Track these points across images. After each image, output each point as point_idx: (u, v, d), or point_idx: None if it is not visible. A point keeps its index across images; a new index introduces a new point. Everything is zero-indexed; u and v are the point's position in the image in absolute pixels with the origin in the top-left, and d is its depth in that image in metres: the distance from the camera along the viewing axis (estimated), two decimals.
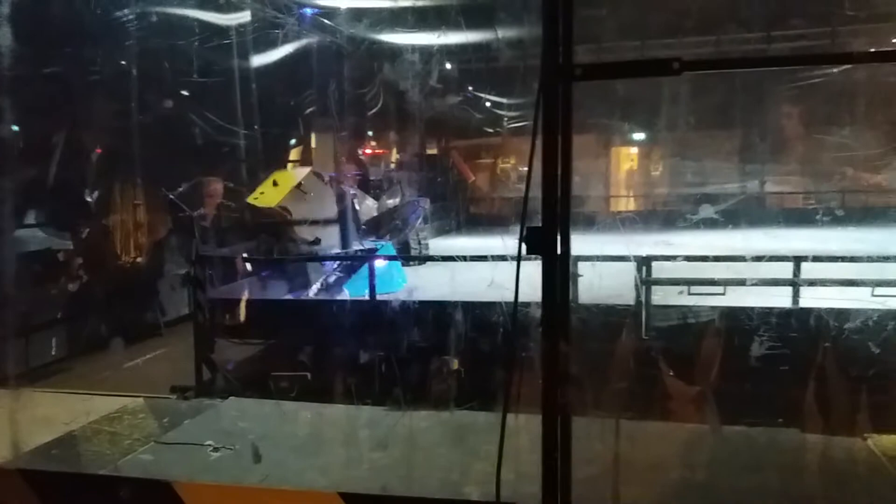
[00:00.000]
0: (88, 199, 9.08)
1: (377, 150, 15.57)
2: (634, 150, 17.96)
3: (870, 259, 6.99)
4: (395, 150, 15.81)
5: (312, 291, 8.24)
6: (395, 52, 12.18)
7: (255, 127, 10.26)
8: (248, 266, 8.36)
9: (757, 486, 4.52)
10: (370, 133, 15.18)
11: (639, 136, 17.10)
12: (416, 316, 6.54)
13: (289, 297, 8.20)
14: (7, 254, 7.34)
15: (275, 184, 8.92)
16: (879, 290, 5.87)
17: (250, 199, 8.96)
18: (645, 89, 12.81)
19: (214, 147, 9.78)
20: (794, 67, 12.64)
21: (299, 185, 8.94)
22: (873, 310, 5.74)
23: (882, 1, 9.91)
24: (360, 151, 14.95)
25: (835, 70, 12.31)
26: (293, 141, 13.41)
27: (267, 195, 8.80)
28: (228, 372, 6.92)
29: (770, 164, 15.03)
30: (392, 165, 15.28)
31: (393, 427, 5.66)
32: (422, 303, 6.85)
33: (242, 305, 7.13)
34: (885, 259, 6.86)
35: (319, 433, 5.57)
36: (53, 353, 7.81)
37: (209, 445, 5.31)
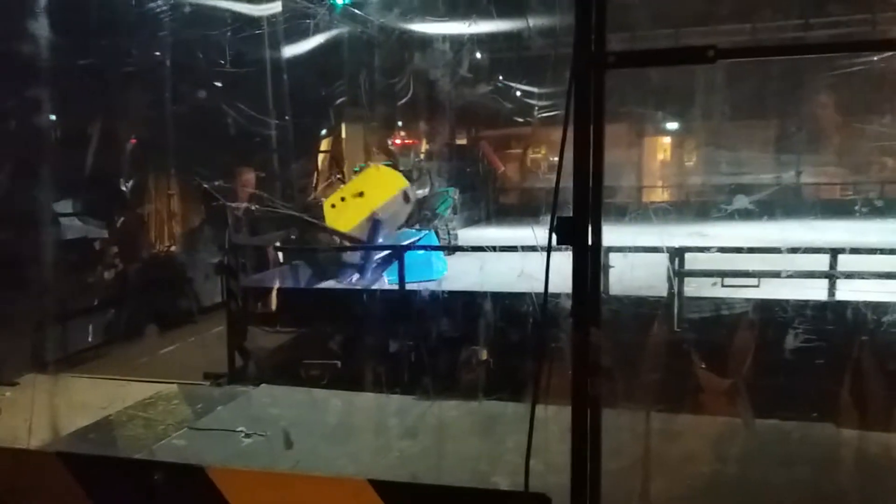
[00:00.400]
0: (123, 189, 9.24)
1: (406, 141, 15.59)
2: (668, 139, 17.73)
3: None
4: (424, 140, 15.82)
5: (354, 278, 8.20)
6: (425, 42, 12.17)
7: (287, 117, 10.34)
8: (280, 255, 8.44)
9: (789, 481, 4.46)
10: (400, 123, 15.20)
11: (672, 125, 16.86)
12: (446, 306, 6.55)
13: (320, 286, 8.26)
14: (45, 242, 7.53)
15: (360, 194, 8.03)
16: None
17: (327, 204, 8.20)
18: (679, 78, 12.62)
19: (246, 137, 9.88)
20: (833, 55, 12.34)
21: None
22: None
23: None
24: (389, 142, 14.98)
25: (874, 58, 11.98)
26: (324, 131, 13.49)
27: (342, 213, 7.99)
28: (261, 360, 7.02)
29: (807, 154, 14.71)
30: (422, 155, 15.29)
31: (422, 416, 5.70)
32: (451, 293, 6.85)
33: (274, 294, 7.20)
34: None
35: (350, 421, 5.63)
36: (90, 339, 7.98)
37: (241, 431, 5.40)
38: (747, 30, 12.28)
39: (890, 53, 11.90)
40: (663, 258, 6.40)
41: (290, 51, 10.71)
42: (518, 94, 15.78)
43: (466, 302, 6.61)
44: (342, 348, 6.68)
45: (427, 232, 9.86)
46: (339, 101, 12.12)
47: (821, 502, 4.24)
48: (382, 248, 8.38)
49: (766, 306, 5.90)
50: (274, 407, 6.08)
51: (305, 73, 10.92)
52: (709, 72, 11.32)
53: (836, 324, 5.76)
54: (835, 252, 6.27)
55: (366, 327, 6.60)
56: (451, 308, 6.54)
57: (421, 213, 10.87)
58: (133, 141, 9.44)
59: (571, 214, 2.58)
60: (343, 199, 8.13)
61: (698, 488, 4.39)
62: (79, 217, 8.63)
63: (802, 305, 5.84)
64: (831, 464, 4.79)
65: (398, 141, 15.45)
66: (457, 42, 12.04)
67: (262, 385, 6.62)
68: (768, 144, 14.91)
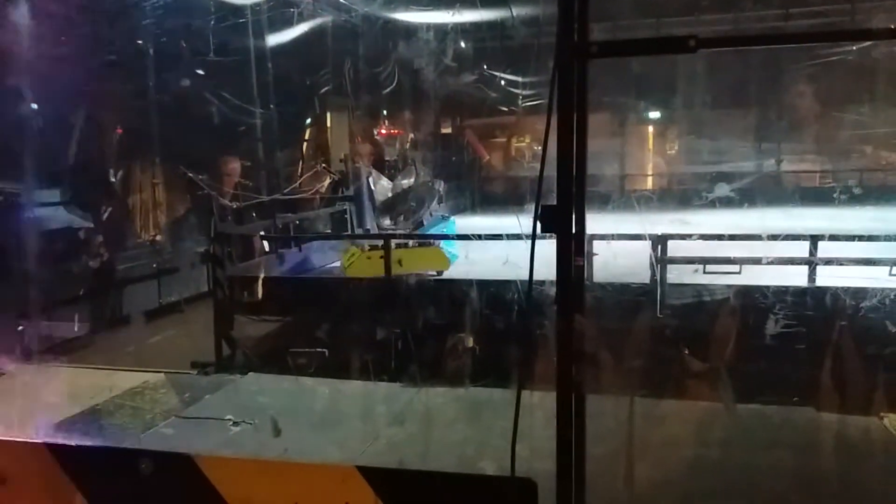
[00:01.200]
0: (111, 179, 9.18)
1: (392, 131, 15.55)
2: (650, 128, 17.82)
3: (888, 238, 6.94)
4: (410, 130, 15.80)
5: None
6: (409, 31, 12.13)
7: (272, 106, 10.29)
8: (266, 244, 8.43)
9: (771, 464, 4.55)
10: (385, 112, 15.16)
11: (654, 114, 16.94)
12: (432, 294, 6.60)
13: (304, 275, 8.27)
14: (30, 232, 7.47)
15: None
16: None
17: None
18: (661, 68, 12.70)
19: (231, 126, 9.83)
20: (812, 45, 12.48)
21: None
22: (890, 289, 5.71)
23: None
24: (374, 131, 14.94)
25: (853, 47, 12.13)
26: (309, 120, 13.44)
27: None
28: (248, 348, 7.03)
29: (787, 142, 14.86)
30: (407, 145, 15.27)
31: (409, 403, 5.74)
32: (437, 281, 6.90)
33: (260, 283, 7.21)
34: None
35: (337, 408, 5.67)
36: (76, 329, 7.95)
37: (229, 420, 5.42)
38: (728, 20, 12.36)
39: (868, 43, 12.05)
40: (646, 246, 6.47)
41: (274, 39, 10.64)
42: (502, 83, 15.78)
43: (452, 290, 6.66)
44: (329, 336, 6.71)
45: (449, 221, 9.82)
46: (323, 89, 12.07)
47: (801, 485, 4.33)
48: (375, 237, 8.42)
49: (747, 292, 5.99)
50: (261, 395, 6.10)
51: (290, 62, 10.87)
52: (690, 61, 11.41)
53: (815, 309, 5.86)
54: (815, 239, 6.37)
55: (352, 315, 6.63)
56: (437, 296, 6.58)
57: (407, 204, 10.87)
58: (118, 131, 9.37)
59: (556, 203, 2.61)
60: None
61: (681, 472, 4.47)
62: (64, 206, 8.57)
63: (783, 291, 5.94)
64: (812, 447, 4.89)
65: (383, 131, 15.41)
66: (441, 31, 12.02)
67: (250, 374, 6.63)
68: (749, 133, 15.03)
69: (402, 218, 10.42)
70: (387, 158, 13.53)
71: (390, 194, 11.07)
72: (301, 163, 12.58)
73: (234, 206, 8.98)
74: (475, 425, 5.21)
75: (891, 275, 5.85)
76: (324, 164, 9.11)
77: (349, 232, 9.60)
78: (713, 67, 12.00)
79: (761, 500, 4.18)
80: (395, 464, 4.37)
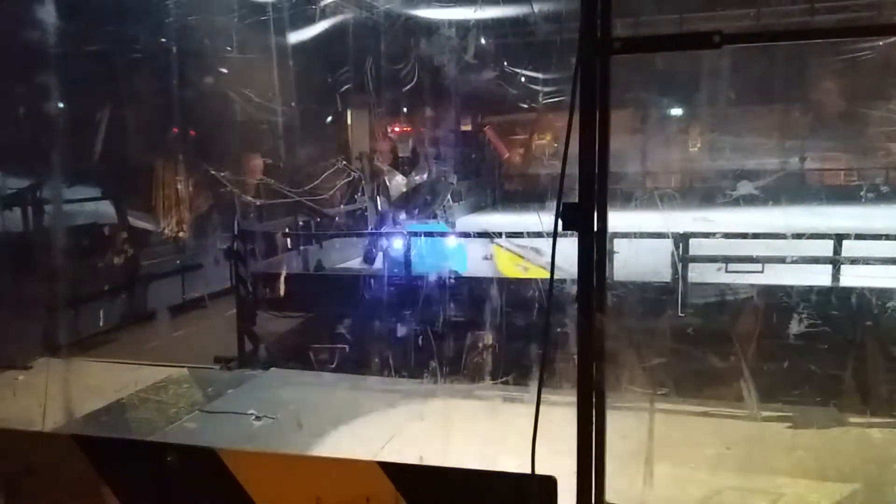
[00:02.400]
0: (134, 175, 9.29)
1: (406, 128, 15.57)
2: (673, 125, 17.66)
3: None
4: (429, 127, 15.80)
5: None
6: (430, 28, 12.13)
7: (293, 104, 10.35)
8: (288, 241, 8.49)
9: (793, 464, 4.51)
10: (405, 109, 15.18)
11: (677, 111, 16.79)
12: (453, 291, 6.60)
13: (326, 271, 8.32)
14: (57, 227, 7.59)
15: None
16: None
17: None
18: (684, 64, 12.59)
19: (253, 124, 9.90)
20: (838, 41, 12.29)
21: None
22: None
23: None
24: (390, 129, 14.99)
25: (880, 43, 11.93)
26: (329, 118, 13.50)
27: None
28: (270, 344, 7.09)
29: (811, 139, 14.66)
30: (424, 142, 15.29)
31: (429, 399, 5.76)
32: (458, 278, 6.89)
33: (282, 279, 7.26)
34: None
35: (358, 404, 5.70)
36: (101, 324, 8.07)
37: (252, 414, 5.48)
38: (752, 15, 12.21)
39: (894, 38, 11.84)
40: (668, 244, 6.42)
41: (296, 37, 10.71)
42: (523, 80, 15.73)
43: (473, 287, 6.66)
44: (350, 332, 6.75)
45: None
46: (344, 87, 12.12)
47: (823, 485, 4.29)
48: (384, 234, 8.45)
49: (770, 292, 5.93)
50: (283, 390, 6.16)
51: (311, 60, 10.92)
52: (714, 58, 11.29)
53: (840, 309, 5.78)
54: (839, 238, 6.28)
55: (374, 312, 6.66)
56: (458, 293, 6.59)
57: (421, 199, 10.91)
58: (175, 130, 9.44)
59: (577, 200, 2.61)
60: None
61: (703, 470, 4.45)
62: (91, 202, 8.69)
63: (807, 291, 5.86)
64: (834, 447, 4.84)
65: (397, 128, 15.43)
66: (462, 28, 12.00)
67: (272, 369, 6.69)
68: (773, 130, 14.85)
69: (416, 212, 10.48)
70: (401, 155, 13.55)
71: (404, 189, 11.11)
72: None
73: (258, 203, 9.06)
74: (495, 422, 5.21)
75: None
76: (344, 162, 9.15)
77: (369, 229, 9.65)
78: (736, 64, 11.87)
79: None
80: (415, 460, 4.39)
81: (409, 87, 12.76)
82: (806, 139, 14.64)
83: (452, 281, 6.72)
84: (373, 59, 11.70)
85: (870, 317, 5.71)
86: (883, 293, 5.75)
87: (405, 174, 11.84)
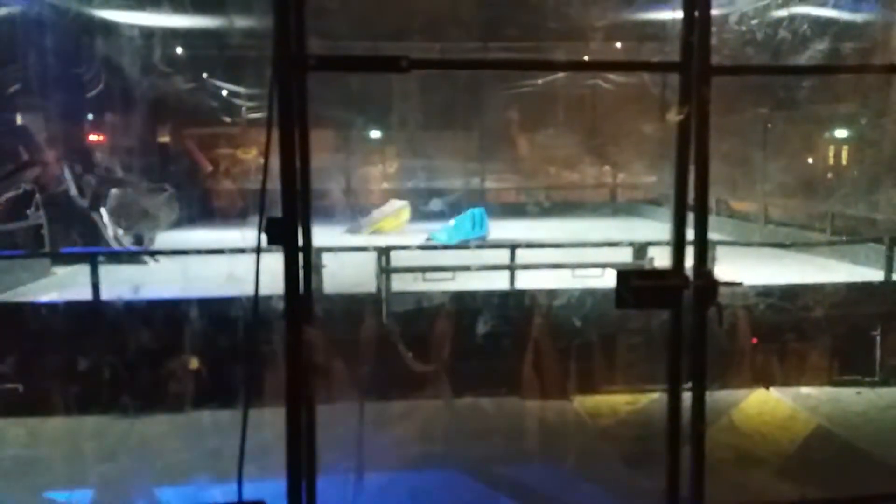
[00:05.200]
0: None
1: (99, 136, 14.10)
2: (371, 146, 18.46)
3: (570, 245, 8.06)
4: (120, 136, 14.43)
5: None
6: (117, 31, 11.14)
7: None
8: None
9: (486, 450, 5.01)
10: (90, 116, 13.69)
11: (375, 133, 17.61)
12: (147, 316, 6.07)
13: None
14: None
15: None
16: (578, 272, 6.77)
17: None
18: (380, 90, 13.35)
19: None
20: (508, 76, 14.14)
21: None
22: (574, 289, 6.62)
23: (576, 19, 11.40)
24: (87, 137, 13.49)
25: (539, 81, 14.00)
26: None
27: None
28: None
29: (489, 161, 16.50)
30: (119, 153, 13.91)
31: (124, 435, 5.25)
32: (151, 302, 6.36)
33: None
34: (582, 245, 7.92)
35: (35, 451, 4.96)
36: None
37: None
38: (437, 49, 13.35)
39: (551, 76, 13.96)
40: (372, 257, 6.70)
41: None
42: (224, 93, 15.23)
43: (169, 310, 6.21)
44: (22, 371, 5.82)
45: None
46: (12, 88, 10.47)
47: (511, 465, 4.83)
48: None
49: (460, 297, 6.52)
50: None
51: None
52: (406, 84, 12.15)
53: (516, 309, 6.57)
54: (513, 247, 7.15)
55: (56, 345, 5.84)
56: (152, 318, 6.08)
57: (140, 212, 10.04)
58: None
59: (281, 215, 2.61)
60: None
61: (408, 465, 4.71)
62: None
63: (489, 295, 6.58)
64: (519, 431, 5.50)
65: (93, 137, 13.92)
66: (150, 34, 11.22)
67: None
68: (457, 153, 16.38)
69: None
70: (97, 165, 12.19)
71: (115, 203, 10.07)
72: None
73: None
74: (202, 451, 4.93)
75: (574, 276, 6.75)
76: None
77: (46, 249, 8.48)
78: (425, 91, 12.92)
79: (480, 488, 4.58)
80: None
81: (94, 92, 11.55)
82: (484, 161, 16.43)
83: (144, 305, 6.20)
84: (46, 59, 10.35)
85: (541, 315, 6.55)
86: (549, 294, 6.65)
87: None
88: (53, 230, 8.72)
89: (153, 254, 8.87)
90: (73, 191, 9.26)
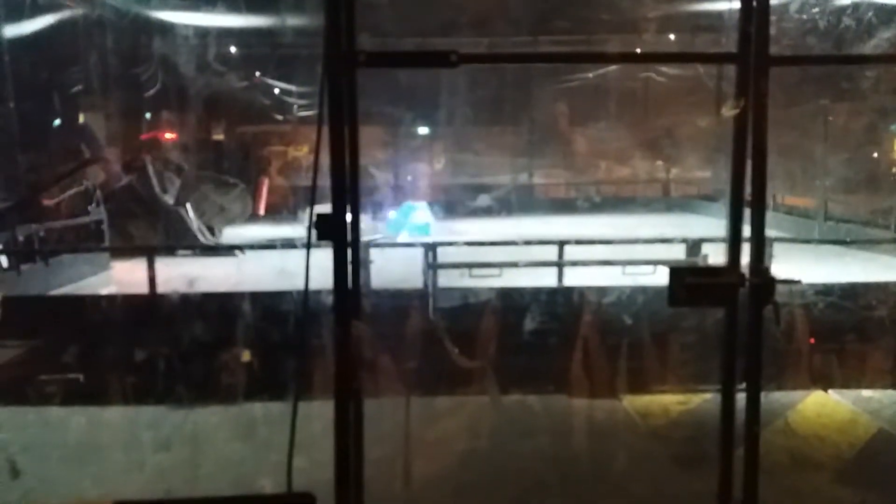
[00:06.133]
0: None
1: (161, 135, 14.52)
2: (419, 142, 18.52)
3: (621, 242, 7.94)
4: (176, 134, 14.83)
5: None
6: (173, 32, 11.43)
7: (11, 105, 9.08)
8: (4, 260, 7.40)
9: (532, 449, 4.97)
10: (148, 115, 14.10)
11: (423, 129, 17.67)
12: (201, 309, 6.24)
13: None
14: None
15: None
16: (629, 269, 6.68)
17: None
18: (427, 87, 13.39)
19: None
20: (559, 70, 13.99)
21: None
22: (625, 286, 6.52)
23: (628, 10, 11.22)
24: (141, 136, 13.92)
25: (590, 74, 13.81)
26: (58, 121, 12.01)
27: None
28: None
29: (537, 157, 16.37)
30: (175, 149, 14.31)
31: (178, 426, 5.38)
32: (206, 295, 6.53)
33: None
34: (633, 242, 7.83)
35: (94, 439, 5.13)
36: None
37: None
38: (485, 44, 13.31)
39: (602, 70, 13.75)
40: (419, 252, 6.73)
41: (13, 31, 9.37)
42: (276, 91, 15.51)
43: (223, 304, 6.37)
44: (83, 361, 6.04)
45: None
46: (74, 88, 10.87)
47: (559, 466, 4.79)
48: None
49: (506, 293, 6.50)
50: None
51: (31, 57, 9.65)
52: (454, 79, 12.14)
53: (564, 306, 6.51)
54: (561, 244, 7.09)
55: (111, 336, 6.04)
56: (206, 311, 6.23)
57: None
58: None
59: (330, 211, 2.64)
60: None
61: (454, 465, 4.71)
62: None
63: (537, 291, 6.53)
64: (566, 430, 5.43)
65: (168, 135, 14.37)
66: (204, 33, 11.48)
67: None
68: (505, 149, 16.31)
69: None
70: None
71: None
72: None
73: None
74: (252, 442, 5.02)
75: (624, 274, 6.67)
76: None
77: (106, 244, 8.79)
78: (473, 86, 12.88)
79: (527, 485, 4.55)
80: (162, 493, 4.07)
81: (152, 91, 11.90)
82: (533, 157, 16.31)
83: (199, 298, 6.36)
84: (107, 60, 10.69)
85: (589, 312, 6.49)
86: (598, 291, 6.58)
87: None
88: (116, 225, 9.04)
89: (239, 248, 9.13)
90: (157, 188, 9.61)
